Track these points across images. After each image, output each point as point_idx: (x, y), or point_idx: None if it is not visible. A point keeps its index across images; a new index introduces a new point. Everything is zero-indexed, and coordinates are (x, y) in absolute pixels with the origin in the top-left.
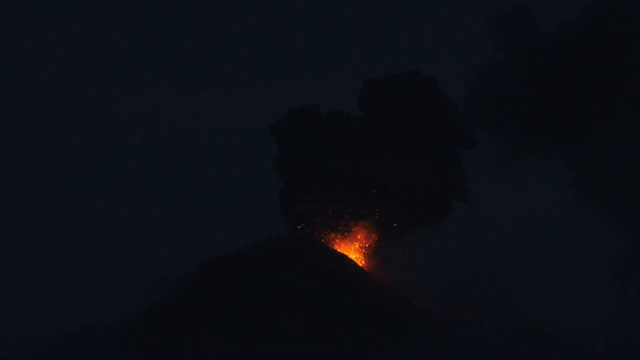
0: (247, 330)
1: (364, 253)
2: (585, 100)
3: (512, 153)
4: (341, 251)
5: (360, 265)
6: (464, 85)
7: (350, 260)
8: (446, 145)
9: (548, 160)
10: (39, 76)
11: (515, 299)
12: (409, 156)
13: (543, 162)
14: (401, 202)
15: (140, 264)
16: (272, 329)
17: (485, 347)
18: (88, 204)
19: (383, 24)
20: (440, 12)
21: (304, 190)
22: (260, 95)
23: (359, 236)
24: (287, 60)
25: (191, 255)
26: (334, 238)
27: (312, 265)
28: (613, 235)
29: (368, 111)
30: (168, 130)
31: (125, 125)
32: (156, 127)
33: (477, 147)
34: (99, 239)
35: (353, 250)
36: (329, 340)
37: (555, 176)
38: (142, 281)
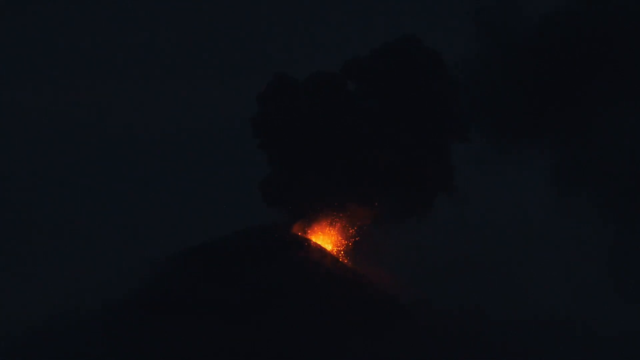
0: (225, 322)
1: (347, 245)
2: (571, 92)
3: (499, 146)
4: (323, 243)
5: (342, 258)
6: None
7: (332, 254)
8: (441, 130)
9: (534, 153)
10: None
11: (505, 293)
12: (402, 137)
13: (530, 156)
14: (389, 188)
15: (118, 253)
16: (250, 321)
17: (473, 342)
18: (68, 194)
19: (363, 14)
20: (422, 3)
21: (290, 173)
22: (240, 82)
23: (345, 227)
24: (255, 49)
25: (170, 244)
26: (317, 228)
27: (293, 257)
28: (600, 227)
29: (361, 82)
30: (147, 121)
31: (104, 115)
32: (134, 118)
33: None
34: (77, 228)
35: (336, 242)
36: (310, 334)
37: (541, 170)
38: (119, 269)
